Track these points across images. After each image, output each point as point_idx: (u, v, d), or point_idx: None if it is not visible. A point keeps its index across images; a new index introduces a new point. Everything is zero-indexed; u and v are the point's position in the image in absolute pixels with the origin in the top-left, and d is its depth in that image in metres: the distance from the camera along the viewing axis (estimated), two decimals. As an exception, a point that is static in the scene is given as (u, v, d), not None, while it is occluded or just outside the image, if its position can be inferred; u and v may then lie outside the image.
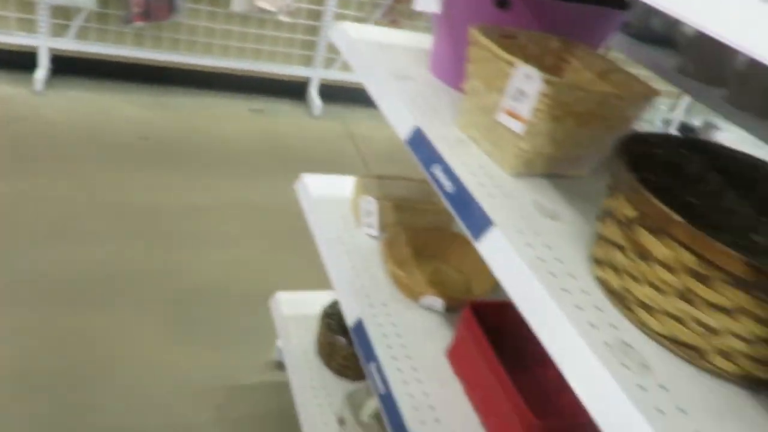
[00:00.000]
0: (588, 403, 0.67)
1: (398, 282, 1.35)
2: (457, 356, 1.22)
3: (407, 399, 1.13)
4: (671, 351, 0.71)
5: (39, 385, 1.75)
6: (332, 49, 3.70)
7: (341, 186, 1.68)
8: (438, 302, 1.31)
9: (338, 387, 1.64)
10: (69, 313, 1.99)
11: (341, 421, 1.48)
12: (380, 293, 1.35)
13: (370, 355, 1.21)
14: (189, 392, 1.85)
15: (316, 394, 1.63)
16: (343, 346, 1.65)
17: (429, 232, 1.51)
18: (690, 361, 0.71)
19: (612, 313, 0.75)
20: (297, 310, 1.86)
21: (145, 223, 2.45)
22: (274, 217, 2.66)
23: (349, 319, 1.30)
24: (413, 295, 1.33)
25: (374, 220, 1.48)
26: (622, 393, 0.64)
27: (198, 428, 1.77)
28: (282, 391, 1.90)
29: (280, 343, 1.99)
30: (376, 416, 1.38)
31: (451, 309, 1.34)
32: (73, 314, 1.99)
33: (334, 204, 1.61)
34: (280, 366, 2.02)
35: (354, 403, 1.46)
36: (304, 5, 3.56)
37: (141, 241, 2.35)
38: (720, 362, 0.68)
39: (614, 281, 0.75)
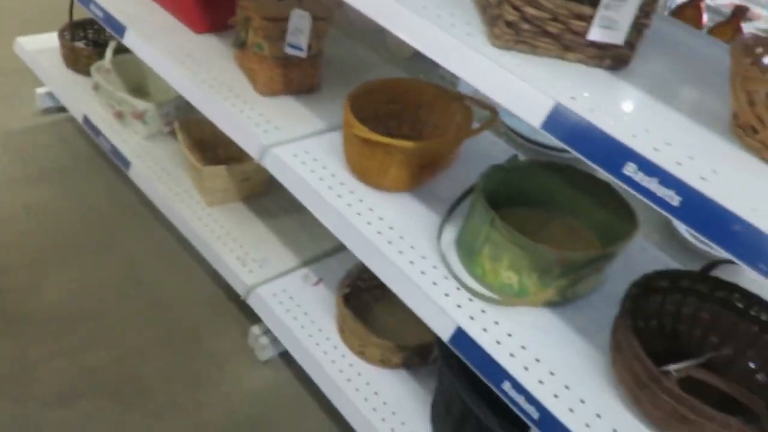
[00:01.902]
0: None
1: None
2: (150, -11, 1.74)
3: (122, 16, 1.65)
4: None
5: None
6: None
7: None
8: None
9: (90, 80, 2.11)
10: None
11: (95, 87, 1.98)
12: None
13: (117, 27, 1.68)
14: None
15: (76, 91, 2.08)
16: (83, 48, 2.10)
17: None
18: None
19: None
20: (40, 46, 2.23)
21: None
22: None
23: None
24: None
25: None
26: None
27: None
28: (57, 125, 2.33)
29: (40, 90, 2.36)
30: (115, 60, 1.89)
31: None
32: None
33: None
34: (46, 112, 2.41)
35: (99, 65, 1.95)
36: None
37: None
38: None
39: None
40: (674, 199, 0.68)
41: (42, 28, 2.39)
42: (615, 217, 1.20)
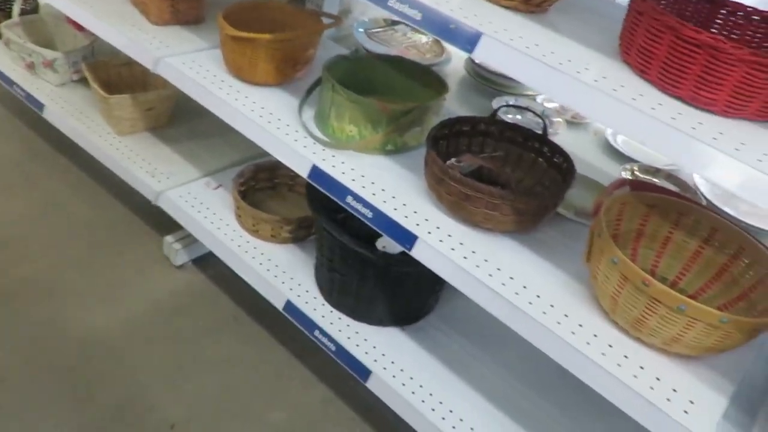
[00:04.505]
0: None
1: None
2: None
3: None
4: None
5: None
6: None
7: None
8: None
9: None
10: None
11: (6, 42, 2.21)
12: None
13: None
14: None
15: None
16: None
17: None
18: None
19: None
20: None
21: None
22: None
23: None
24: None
25: None
26: None
27: None
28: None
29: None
30: (24, 20, 2.14)
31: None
32: None
33: None
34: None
35: (8, 23, 2.19)
36: None
37: None
38: None
39: None
40: (417, 15, 1.05)
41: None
42: (436, 92, 1.58)
